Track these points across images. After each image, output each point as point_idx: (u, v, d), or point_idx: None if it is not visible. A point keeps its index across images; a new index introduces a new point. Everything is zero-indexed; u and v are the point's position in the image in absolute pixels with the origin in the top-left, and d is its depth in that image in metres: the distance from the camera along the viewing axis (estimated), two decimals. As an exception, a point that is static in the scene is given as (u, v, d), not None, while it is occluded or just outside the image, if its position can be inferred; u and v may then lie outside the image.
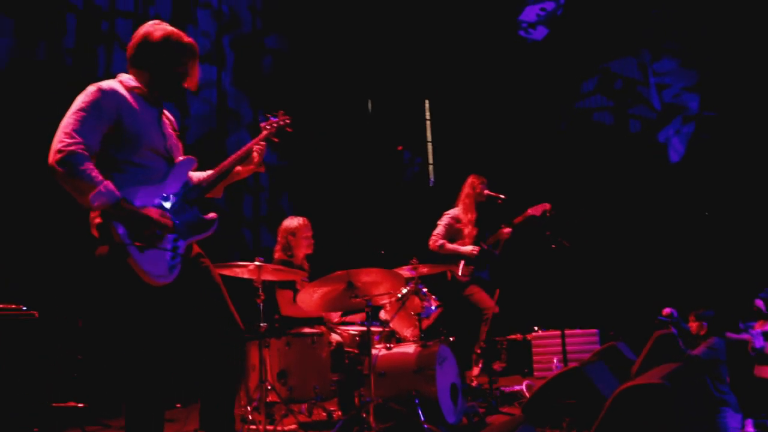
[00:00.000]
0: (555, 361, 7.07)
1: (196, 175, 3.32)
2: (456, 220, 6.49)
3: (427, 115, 11.42)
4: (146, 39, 3.06)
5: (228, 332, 3.09)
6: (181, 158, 3.16)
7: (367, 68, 10.38)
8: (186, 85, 3.16)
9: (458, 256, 6.34)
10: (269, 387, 4.65)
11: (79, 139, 2.74)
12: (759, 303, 7.71)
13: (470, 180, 6.65)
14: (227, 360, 3.07)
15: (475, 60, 10.69)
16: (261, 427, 4.54)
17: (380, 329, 5.34)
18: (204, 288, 3.08)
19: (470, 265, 6.30)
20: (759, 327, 6.58)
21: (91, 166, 2.74)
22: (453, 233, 6.45)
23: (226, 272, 4.83)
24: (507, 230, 6.49)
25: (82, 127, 2.77)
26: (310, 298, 4.84)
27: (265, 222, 8.67)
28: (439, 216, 6.67)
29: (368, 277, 4.73)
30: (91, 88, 2.90)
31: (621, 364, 4.85)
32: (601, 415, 2.25)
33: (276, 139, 3.58)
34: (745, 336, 6.73)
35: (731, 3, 9.61)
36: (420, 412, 4.48)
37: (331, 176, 9.55)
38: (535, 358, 7.71)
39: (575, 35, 10.68)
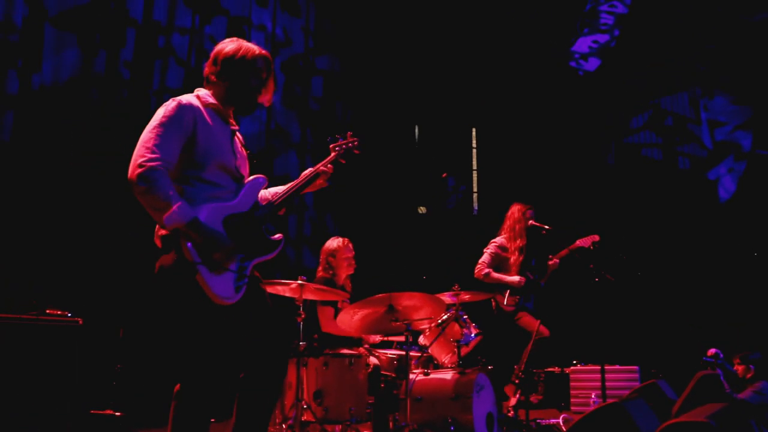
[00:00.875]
0: (593, 396, 6.94)
1: (264, 194, 3.33)
2: (503, 248, 6.40)
3: (474, 143, 11.43)
4: (220, 54, 3.10)
5: (277, 354, 3.11)
6: (252, 177, 3.17)
7: (415, 93, 10.44)
8: (260, 100, 3.19)
9: (504, 285, 6.28)
10: (305, 406, 4.66)
11: (158, 155, 2.78)
12: None
13: (517, 207, 6.58)
14: (272, 379, 3.09)
15: (525, 89, 10.68)
16: (296, 443, 4.55)
17: (418, 354, 5.32)
18: (260, 309, 3.08)
19: (515, 294, 6.22)
20: None
21: (169, 183, 2.77)
22: (499, 262, 6.37)
23: (269, 290, 4.88)
24: (555, 261, 6.42)
25: (162, 141, 2.82)
26: (351, 319, 4.86)
27: (308, 242, 8.73)
28: (482, 244, 6.60)
29: (409, 301, 4.75)
30: (171, 103, 2.94)
31: (662, 402, 4.74)
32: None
33: (343, 161, 3.60)
34: None
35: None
36: (455, 440, 4.45)
37: (376, 200, 9.59)
38: (572, 392, 7.57)
39: (627, 69, 10.62)
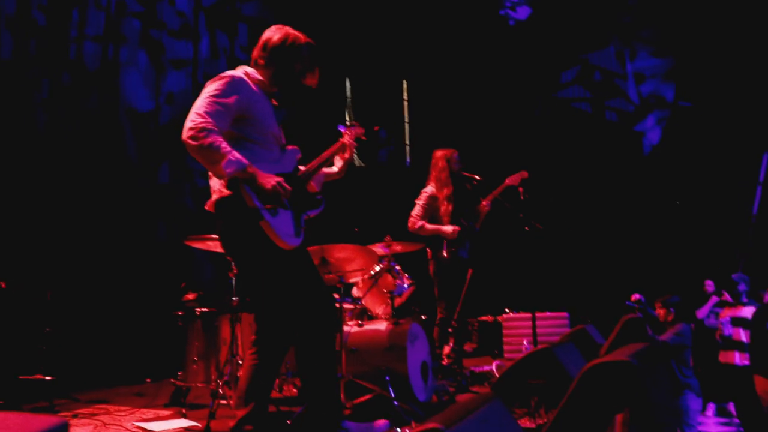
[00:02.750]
0: (525, 342, 7.15)
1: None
2: (433, 198, 6.28)
3: (405, 95, 11.42)
4: (269, 42, 3.41)
5: (329, 301, 3.43)
6: (290, 147, 3.49)
7: (346, 46, 10.32)
8: (308, 82, 3.49)
9: (440, 237, 6.23)
10: (240, 362, 4.65)
11: (209, 119, 3.01)
12: (708, 284, 7.88)
13: (440, 153, 6.40)
14: (327, 331, 3.36)
15: (456, 41, 10.68)
16: (232, 401, 4.54)
17: (352, 306, 5.35)
18: (311, 263, 3.41)
19: (452, 246, 6.14)
20: (725, 314, 6.70)
21: (220, 139, 3.00)
22: (431, 212, 6.26)
23: (200, 245, 4.82)
24: (486, 204, 6.32)
25: (213, 109, 3.05)
26: (283, 273, 4.84)
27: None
28: (414, 196, 6.52)
29: (342, 253, 4.75)
30: (224, 76, 3.19)
31: (590, 346, 4.88)
32: (569, 392, 2.27)
33: (356, 144, 3.99)
34: (712, 321, 6.85)
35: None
36: (390, 389, 4.51)
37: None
38: (505, 339, 7.79)
39: (556, 24, 10.70)
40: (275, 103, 3.44)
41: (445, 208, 6.18)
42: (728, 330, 6.74)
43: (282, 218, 3.13)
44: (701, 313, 7.68)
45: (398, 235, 5.41)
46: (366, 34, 10.42)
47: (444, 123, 10.42)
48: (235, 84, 3.19)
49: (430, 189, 6.32)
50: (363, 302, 5.36)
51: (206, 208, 3.27)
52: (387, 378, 4.58)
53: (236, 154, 2.98)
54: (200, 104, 3.07)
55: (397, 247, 5.32)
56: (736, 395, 6.27)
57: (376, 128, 10.45)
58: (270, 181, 3.04)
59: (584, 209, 9.85)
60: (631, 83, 10.57)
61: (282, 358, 3.39)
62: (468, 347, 8.08)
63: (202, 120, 2.99)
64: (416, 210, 6.22)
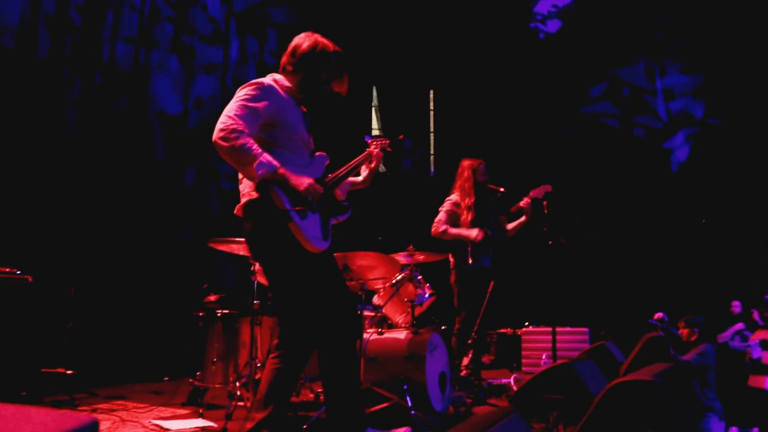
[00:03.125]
0: (544, 357, 7.09)
1: None
2: (457, 206, 6.28)
3: (432, 105, 11.42)
4: (298, 49, 3.44)
5: (353, 307, 3.44)
6: (318, 153, 3.51)
7: (374, 54, 10.36)
8: (337, 90, 3.54)
9: (465, 244, 6.16)
10: (259, 365, 4.66)
11: (240, 122, 3.04)
12: (735, 305, 7.77)
13: (467, 163, 6.41)
14: (350, 335, 3.35)
15: (484, 52, 10.66)
16: (249, 404, 4.55)
17: (372, 314, 5.34)
18: (337, 268, 3.44)
19: (476, 254, 6.12)
20: (756, 337, 6.61)
21: (251, 141, 3.03)
22: (454, 219, 6.26)
23: (223, 248, 4.84)
24: (521, 204, 6.29)
25: (243, 113, 3.08)
26: (305, 278, 4.85)
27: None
28: (437, 206, 6.52)
29: (364, 260, 4.75)
30: (254, 83, 3.23)
31: (610, 363, 4.86)
32: (590, 410, 2.25)
33: (382, 154, 4.02)
34: (738, 344, 6.76)
35: (738, 8, 9.60)
36: (408, 398, 4.49)
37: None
38: (524, 353, 7.74)
39: (586, 39, 10.65)
40: (304, 109, 3.47)
41: (466, 216, 6.19)
42: (757, 353, 6.65)
43: (310, 221, 3.15)
44: (723, 337, 7.59)
45: (421, 245, 5.40)
46: (394, 43, 10.45)
47: (469, 134, 10.41)
48: (265, 90, 3.22)
49: (454, 197, 6.34)
50: (383, 310, 5.35)
51: (235, 212, 3.30)
52: (405, 387, 4.56)
53: (267, 156, 3.01)
54: (231, 107, 3.10)
55: (420, 257, 5.30)
56: (763, 421, 6.17)
57: (401, 137, 10.44)
58: (303, 182, 3.07)
59: (609, 225, 9.77)
60: (660, 100, 10.49)
61: (305, 363, 3.38)
62: (486, 359, 8.04)
63: (233, 122, 3.02)
64: (440, 216, 6.26)
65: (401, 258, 5.20)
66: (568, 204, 7.53)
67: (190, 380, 5.15)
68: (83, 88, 6.71)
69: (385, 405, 4.53)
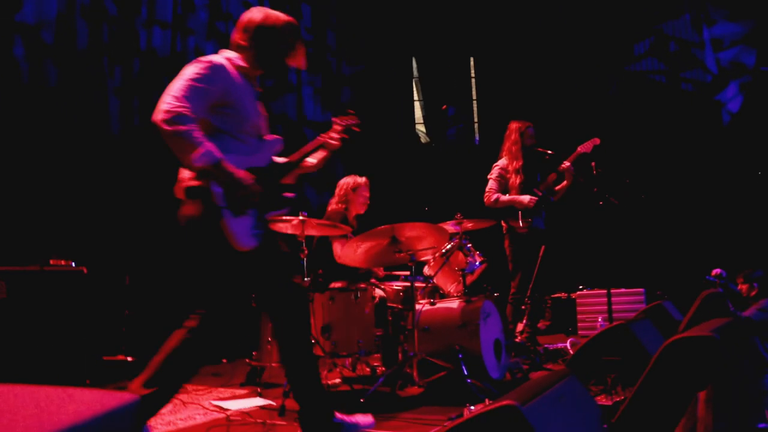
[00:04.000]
0: (600, 320, 7.00)
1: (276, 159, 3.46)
2: (505, 170, 6.24)
3: (473, 72, 11.28)
4: (250, 23, 3.27)
5: (294, 297, 3.31)
6: (271, 138, 3.34)
7: (412, 24, 10.26)
8: (294, 64, 3.37)
9: (515, 208, 6.14)
10: (313, 341, 4.68)
11: (186, 104, 2.88)
12: None
13: (515, 126, 6.34)
14: (295, 319, 3.28)
15: (523, 15, 10.46)
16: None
17: (424, 285, 5.33)
18: (276, 259, 3.29)
19: (528, 216, 6.07)
20: None
21: (196, 128, 2.89)
22: (503, 184, 6.21)
23: (274, 227, 4.86)
24: (563, 168, 6.19)
25: (191, 94, 2.92)
26: (354, 252, 4.86)
27: (307, 176, 8.72)
28: (484, 173, 6.45)
29: (412, 231, 4.72)
30: (204, 61, 3.07)
31: (667, 323, 4.75)
32: (648, 367, 2.20)
33: (346, 136, 3.75)
34: None
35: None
36: (463, 367, 4.47)
37: (377, 133, 9.55)
38: (579, 317, 7.66)
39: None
40: (259, 89, 3.34)
41: (514, 180, 6.14)
42: None
43: (243, 219, 3.03)
44: None
45: (469, 213, 5.35)
46: (432, 12, 10.32)
47: (513, 100, 10.26)
48: (215, 69, 3.07)
49: (501, 162, 6.29)
50: (434, 280, 5.33)
51: (176, 194, 3.14)
52: (460, 356, 4.55)
53: (210, 146, 2.88)
54: (177, 87, 2.93)
55: (468, 225, 5.26)
56: None
57: (444, 107, 10.39)
58: (241, 180, 2.96)
59: (661, 183, 9.55)
60: (708, 51, 10.16)
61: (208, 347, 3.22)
62: (541, 325, 7.97)
63: (179, 104, 2.87)
64: (490, 184, 6.21)
65: (450, 227, 5.17)
66: (617, 163, 7.37)
67: (247, 360, 5.22)
68: (123, 76, 6.79)
69: (441, 374, 4.53)
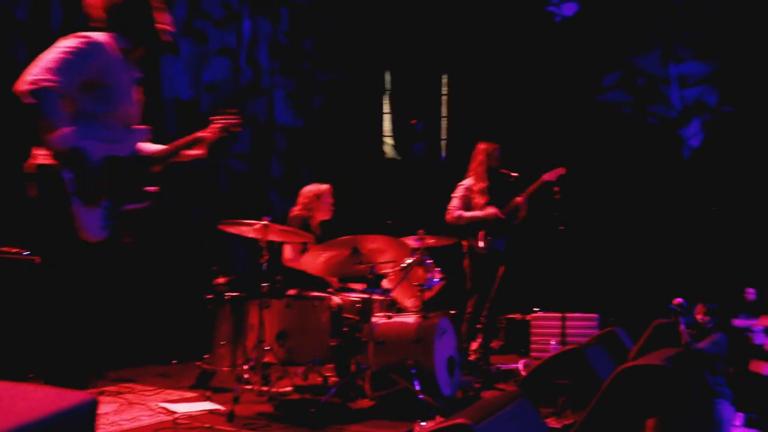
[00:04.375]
0: (553, 342, 7.06)
1: (146, 147, 3.32)
2: (470, 190, 6.28)
3: (444, 90, 11.34)
4: (112, 2, 3.07)
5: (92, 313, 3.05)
6: (139, 126, 3.20)
7: (387, 38, 10.32)
8: (160, 26, 3.16)
9: (478, 227, 6.16)
10: (267, 348, 4.65)
11: (56, 78, 2.74)
12: (750, 291, 7.71)
13: (482, 147, 6.37)
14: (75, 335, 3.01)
15: (498, 37, 10.56)
16: (256, 387, 4.56)
17: (382, 297, 5.33)
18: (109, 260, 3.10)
19: (490, 234, 6.10)
20: (761, 323, 6.56)
21: (60, 107, 2.76)
22: (467, 204, 6.24)
23: (233, 230, 4.83)
24: (521, 198, 6.22)
25: (63, 68, 2.78)
26: (315, 260, 4.84)
27: (273, 183, 8.69)
28: (448, 191, 6.50)
29: (374, 244, 4.73)
30: (80, 36, 2.90)
31: (619, 349, 4.83)
32: (600, 393, 2.23)
33: (224, 134, 3.63)
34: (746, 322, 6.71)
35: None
36: (416, 383, 4.48)
37: (345, 144, 9.59)
38: (533, 338, 7.72)
39: (602, 24, 10.52)
40: (139, 75, 3.19)
41: (478, 200, 6.19)
42: (760, 339, 6.61)
43: (93, 209, 2.90)
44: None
45: (431, 229, 5.38)
46: (408, 27, 10.39)
47: (482, 119, 10.32)
48: (93, 46, 2.91)
49: (467, 181, 6.33)
50: (393, 294, 5.34)
51: (24, 169, 2.92)
52: (413, 371, 4.55)
53: (68, 129, 2.76)
54: (48, 58, 2.78)
55: (430, 241, 5.28)
56: (763, 406, 6.13)
57: (413, 121, 10.42)
58: (93, 176, 2.85)
59: (621, 211, 9.70)
60: (674, 88, 10.38)
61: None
62: (495, 344, 8.02)
63: (47, 78, 2.73)
64: (454, 202, 6.24)
65: (411, 242, 5.18)
66: (581, 190, 7.48)
67: (198, 363, 5.16)
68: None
69: (393, 389, 4.53)
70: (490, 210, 6.07)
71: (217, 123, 3.61)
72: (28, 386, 1.02)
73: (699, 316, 6.32)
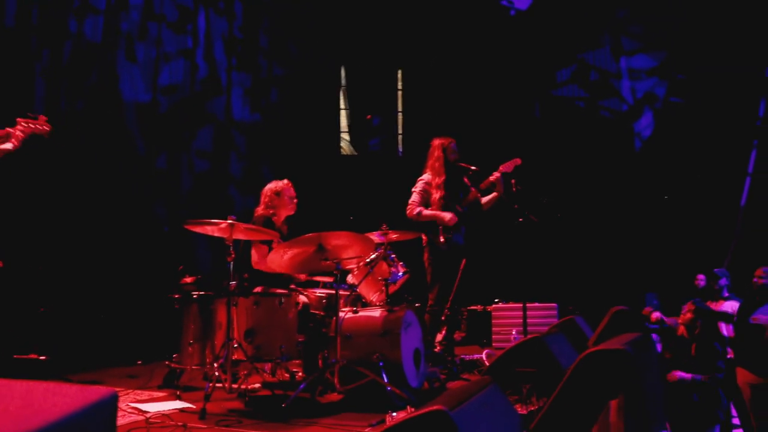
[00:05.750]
0: (514, 332, 7.24)
1: None
2: (428, 185, 6.37)
3: (400, 84, 11.45)
4: None
5: None
6: None
7: (342, 33, 10.38)
8: None
9: (436, 223, 6.23)
10: (236, 345, 4.70)
11: None
12: (700, 278, 7.97)
13: (437, 142, 6.44)
14: None
15: (453, 30, 10.71)
16: (226, 384, 4.62)
17: (347, 293, 5.42)
18: None
19: (448, 232, 6.20)
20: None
21: None
22: (426, 199, 6.33)
23: (199, 230, 4.87)
24: (492, 178, 6.33)
25: None
26: (281, 258, 4.91)
27: (234, 182, 8.71)
28: (407, 186, 6.57)
29: (339, 240, 4.81)
30: None
31: (579, 337, 4.99)
32: (565, 378, 2.36)
33: (26, 138, 3.57)
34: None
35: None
36: (384, 375, 4.59)
37: (303, 142, 9.64)
38: (494, 329, 7.89)
39: (555, 18, 10.74)
40: None
41: (435, 195, 6.27)
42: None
43: None
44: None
45: (393, 224, 5.48)
46: (363, 22, 10.46)
47: (438, 114, 10.46)
48: None
49: (426, 176, 6.41)
50: (358, 289, 5.43)
51: None
52: (381, 364, 4.66)
53: None
54: None
55: (393, 236, 5.39)
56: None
57: (369, 116, 10.48)
58: None
59: (577, 203, 9.94)
60: (625, 81, 10.67)
61: None
62: (457, 336, 8.18)
63: None
64: (413, 198, 6.32)
65: (375, 237, 5.28)
66: (537, 182, 7.66)
67: (166, 362, 5.19)
68: (52, 59, 6.64)
69: (361, 382, 4.63)
70: (449, 216, 6.16)
71: (22, 128, 3.55)
72: (50, 384, 1.10)
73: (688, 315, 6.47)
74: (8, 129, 3.44)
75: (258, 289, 5.24)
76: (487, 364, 5.94)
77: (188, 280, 5.46)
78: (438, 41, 10.75)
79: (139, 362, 6.48)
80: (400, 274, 5.35)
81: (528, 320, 6.35)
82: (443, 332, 6.30)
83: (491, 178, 6.35)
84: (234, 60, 8.88)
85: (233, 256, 4.78)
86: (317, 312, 5.23)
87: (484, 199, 6.48)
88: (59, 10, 6.70)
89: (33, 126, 3.54)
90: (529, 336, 4.45)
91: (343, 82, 11.13)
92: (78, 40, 6.90)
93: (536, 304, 7.70)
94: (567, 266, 9.50)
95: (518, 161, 6.40)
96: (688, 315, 6.45)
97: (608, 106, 10.79)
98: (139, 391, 5.05)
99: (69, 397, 1.00)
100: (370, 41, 10.69)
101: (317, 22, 10.04)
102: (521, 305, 6.29)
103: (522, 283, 6.86)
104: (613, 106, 10.77)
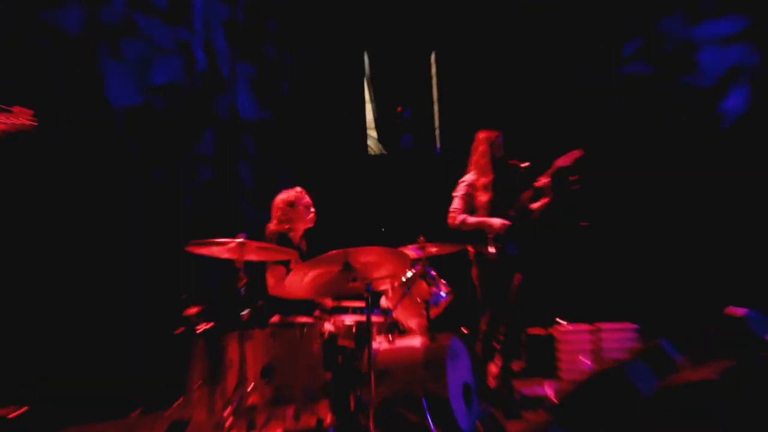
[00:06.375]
0: (585, 360, 7.11)
1: None
2: (473, 187, 6.30)
3: (434, 69, 11.38)
4: None
5: None
6: None
7: (363, 15, 10.35)
8: None
9: (484, 232, 6.20)
10: (250, 387, 4.66)
11: None
12: None
13: (483, 136, 6.45)
14: None
15: (494, 3, 10.61)
16: (242, 434, 4.57)
17: (381, 319, 5.35)
18: None
19: (499, 240, 6.12)
20: None
21: None
22: (471, 203, 6.25)
23: (204, 251, 4.84)
24: (539, 184, 6.27)
25: None
26: (300, 281, 4.85)
27: (244, 191, 8.70)
28: (448, 188, 6.50)
29: (368, 257, 4.74)
30: None
31: (666, 364, 4.88)
32: (645, 415, 2.27)
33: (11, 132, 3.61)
34: None
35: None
36: (429, 417, 4.51)
37: (323, 143, 9.61)
38: (560, 356, 7.74)
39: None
40: None
41: (482, 197, 6.20)
42: None
43: None
44: None
45: (432, 235, 5.41)
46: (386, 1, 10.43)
47: (482, 102, 10.36)
48: None
49: (469, 177, 6.36)
50: (394, 314, 5.36)
51: None
52: (424, 402, 4.58)
53: None
54: None
55: (432, 249, 5.32)
56: None
57: (399, 109, 10.49)
58: None
59: (652, 200, 9.75)
60: (704, 52, 10.47)
61: None
62: (515, 366, 8.06)
63: None
64: (455, 203, 6.26)
65: (411, 252, 5.22)
66: (602, 179, 7.53)
67: (165, 414, 5.16)
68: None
69: (402, 426, 4.55)
70: (499, 221, 6.07)
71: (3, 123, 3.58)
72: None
73: None
74: None
75: (275, 319, 5.19)
76: (556, 401, 5.83)
77: (193, 310, 5.42)
78: (478, 14, 10.65)
79: (139, 410, 6.46)
80: (443, 294, 5.28)
81: (603, 344, 6.22)
82: (498, 362, 6.20)
83: (538, 183, 6.24)
84: (237, 50, 8.89)
85: (245, 280, 4.74)
86: (346, 343, 5.17)
87: (535, 206, 6.38)
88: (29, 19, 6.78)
89: (12, 121, 3.58)
90: (604, 365, 4.35)
91: (367, 69, 11.10)
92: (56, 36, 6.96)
93: (610, 325, 7.54)
94: (644, 278, 9.30)
95: (578, 153, 6.26)
96: None
97: (685, 83, 10.59)
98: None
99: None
100: (396, 20, 10.64)
101: (334, 6, 10.02)
102: (592, 327, 6.15)
103: (590, 300, 6.72)
104: (692, 82, 10.57)
